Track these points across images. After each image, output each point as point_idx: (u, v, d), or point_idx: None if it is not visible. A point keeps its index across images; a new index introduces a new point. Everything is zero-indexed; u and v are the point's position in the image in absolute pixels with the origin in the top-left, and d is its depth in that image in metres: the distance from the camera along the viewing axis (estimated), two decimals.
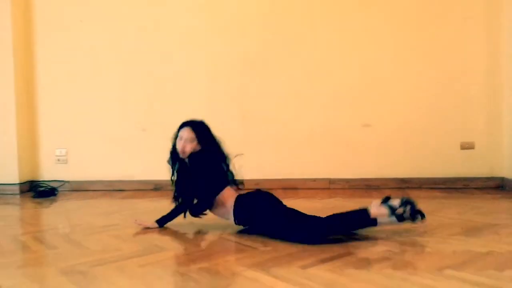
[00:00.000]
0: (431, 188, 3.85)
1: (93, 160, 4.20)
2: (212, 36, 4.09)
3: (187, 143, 2.40)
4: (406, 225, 2.27)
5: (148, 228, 2.48)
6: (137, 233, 2.44)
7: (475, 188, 3.80)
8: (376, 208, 2.16)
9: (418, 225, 2.24)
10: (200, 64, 4.11)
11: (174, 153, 2.47)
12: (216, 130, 4.03)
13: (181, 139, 2.41)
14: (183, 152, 2.40)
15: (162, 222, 2.50)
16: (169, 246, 2.23)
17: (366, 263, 1.87)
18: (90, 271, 1.79)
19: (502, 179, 3.77)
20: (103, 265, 1.87)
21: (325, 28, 4.00)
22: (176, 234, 2.46)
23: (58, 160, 4.22)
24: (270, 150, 4.04)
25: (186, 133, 2.41)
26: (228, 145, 4.03)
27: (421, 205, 2.54)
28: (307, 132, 4.03)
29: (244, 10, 4.07)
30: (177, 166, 2.48)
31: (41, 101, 4.24)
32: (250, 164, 4.01)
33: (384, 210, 2.14)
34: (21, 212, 3.37)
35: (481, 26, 3.85)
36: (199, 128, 2.45)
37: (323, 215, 2.28)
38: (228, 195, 2.38)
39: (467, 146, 3.86)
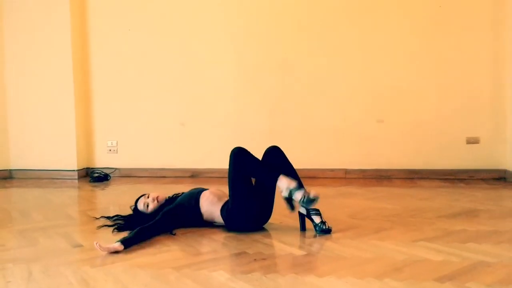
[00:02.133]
0: (438, 179, 4.24)
1: (140, 151, 4.83)
2: (242, 40, 4.59)
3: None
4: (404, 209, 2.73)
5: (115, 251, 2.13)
6: None
7: (479, 179, 4.16)
8: (286, 179, 2.33)
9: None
10: (231, 66, 4.63)
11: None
12: (245, 123, 4.60)
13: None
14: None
15: (127, 243, 2.18)
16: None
17: (360, 235, 2.36)
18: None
19: (505, 171, 4.12)
20: None
21: (345, 32, 4.42)
22: None
23: (110, 150, 4.88)
24: (292, 141, 4.52)
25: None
26: (256, 136, 4.58)
27: (421, 193, 2.97)
28: (326, 127, 4.48)
29: (271, 17, 4.55)
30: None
31: (95, 99, 4.89)
32: None
33: (293, 183, 2.31)
34: (83, 193, 4.02)
35: (487, 29, 4.17)
36: None
37: (336, 200, 2.77)
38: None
39: (472, 141, 4.22)
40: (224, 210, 2.46)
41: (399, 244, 2.17)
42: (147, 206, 2.63)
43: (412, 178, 4.29)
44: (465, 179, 4.20)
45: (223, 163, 4.89)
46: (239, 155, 2.45)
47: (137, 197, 2.75)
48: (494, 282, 1.67)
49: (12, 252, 2.20)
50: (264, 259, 2.00)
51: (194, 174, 4.69)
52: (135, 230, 2.30)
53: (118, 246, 2.13)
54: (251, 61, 4.61)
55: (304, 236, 2.34)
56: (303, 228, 2.44)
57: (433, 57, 4.28)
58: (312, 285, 1.68)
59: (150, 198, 2.65)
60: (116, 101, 4.85)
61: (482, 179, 4.15)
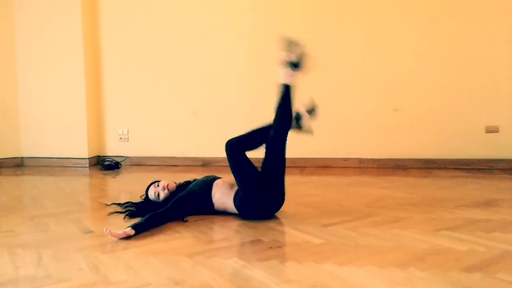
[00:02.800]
0: (456, 169, 4.12)
1: (150, 139, 4.78)
2: (257, 30, 4.49)
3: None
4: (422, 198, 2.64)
5: (127, 236, 2.07)
6: None
7: (498, 169, 4.03)
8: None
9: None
10: (244, 53, 4.54)
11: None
12: (258, 111, 4.51)
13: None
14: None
15: (139, 228, 2.13)
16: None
17: (378, 223, 2.27)
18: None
19: None
20: None
21: (359, 18, 4.30)
22: None
23: (121, 138, 4.83)
24: None
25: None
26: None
27: (438, 183, 2.87)
28: (339, 115, 4.38)
29: (285, 5, 4.44)
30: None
31: (106, 88, 4.85)
32: (287, 143, 4.46)
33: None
34: (94, 181, 3.99)
35: (507, 14, 4.02)
36: None
37: (351, 189, 2.69)
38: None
39: (492, 130, 4.09)
40: (237, 199, 2.38)
41: (420, 233, 2.08)
42: (158, 195, 2.58)
43: (429, 168, 4.18)
44: (483, 169, 4.08)
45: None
46: (232, 147, 2.40)
47: (147, 185, 2.69)
48: None
49: (22, 237, 2.16)
50: (280, 247, 1.93)
51: (205, 163, 4.63)
52: (146, 216, 2.25)
53: (129, 231, 2.08)
54: (263, 48, 4.51)
55: (321, 225, 2.26)
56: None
57: (451, 43, 4.14)
58: (331, 274, 1.61)
59: (160, 186, 2.59)
60: (127, 89, 4.80)
61: (501, 169, 4.03)
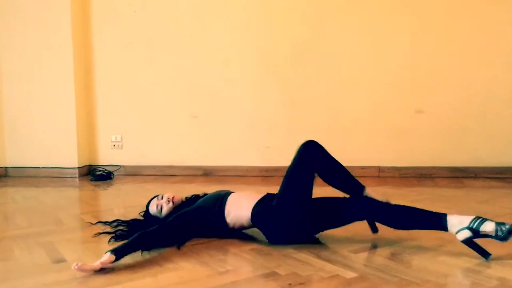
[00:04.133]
0: (488, 178, 3.68)
1: (146, 146, 4.36)
2: (261, 27, 4.10)
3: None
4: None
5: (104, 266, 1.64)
6: None
7: None
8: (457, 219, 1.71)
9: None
10: (249, 54, 4.14)
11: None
12: (264, 117, 4.10)
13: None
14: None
15: (121, 252, 1.70)
16: None
17: (422, 249, 1.83)
18: None
19: None
20: None
21: (375, 15, 3.90)
22: None
23: (114, 145, 4.41)
24: (318, 136, 3.97)
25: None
26: (278, 131, 4.09)
27: (476, 195, 2.42)
28: (355, 119, 3.97)
29: (292, 5, 4.04)
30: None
31: (98, 90, 4.43)
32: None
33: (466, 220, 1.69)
34: (82, 193, 3.56)
35: None
36: None
37: None
38: None
39: None
40: (259, 210, 1.93)
41: (476, 263, 1.63)
42: (161, 208, 2.15)
43: (458, 177, 3.74)
44: None
45: (239, 160, 4.41)
46: (314, 145, 2.04)
47: (147, 200, 2.28)
48: None
49: None
50: (302, 283, 1.49)
51: (206, 173, 4.20)
52: (134, 236, 1.79)
53: (108, 257, 1.63)
54: (270, 49, 4.11)
55: (350, 251, 1.81)
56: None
57: (481, 36, 3.73)
58: None
59: (165, 199, 2.18)
60: (121, 92, 4.39)
61: None
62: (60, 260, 1.79)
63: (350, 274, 1.56)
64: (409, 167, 3.89)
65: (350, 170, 3.97)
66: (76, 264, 1.58)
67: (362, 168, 3.97)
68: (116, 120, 4.42)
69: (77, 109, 4.31)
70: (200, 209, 2.03)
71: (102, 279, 1.56)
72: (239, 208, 1.98)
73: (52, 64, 4.28)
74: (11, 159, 4.45)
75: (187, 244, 1.94)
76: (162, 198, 2.20)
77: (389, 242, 1.91)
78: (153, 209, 2.20)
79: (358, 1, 3.92)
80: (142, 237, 1.78)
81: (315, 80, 4.04)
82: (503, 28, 3.69)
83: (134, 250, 1.74)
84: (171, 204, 2.16)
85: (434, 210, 1.80)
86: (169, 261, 1.74)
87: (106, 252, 1.66)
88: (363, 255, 1.76)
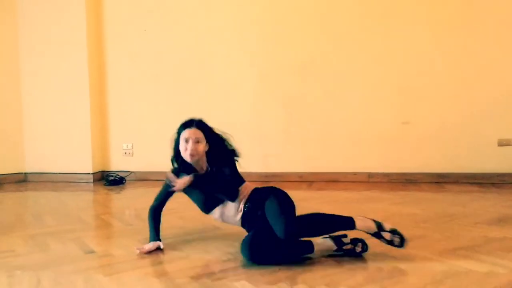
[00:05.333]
0: (468, 183, 4.02)
1: (156, 153, 4.70)
2: (262, 46, 4.47)
3: (198, 145, 2.12)
4: (436, 215, 2.54)
5: (155, 249, 2.11)
6: (196, 215, 2.86)
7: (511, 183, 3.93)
8: (362, 221, 1.97)
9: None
10: (249, 68, 4.50)
11: (179, 158, 2.18)
12: (263, 126, 4.45)
13: (187, 141, 2.11)
14: (195, 154, 2.11)
15: (157, 235, 2.16)
16: (223, 226, 2.62)
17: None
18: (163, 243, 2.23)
19: None
20: (172, 238, 2.31)
21: (367, 31, 4.25)
22: None
23: (125, 153, 4.78)
24: (313, 145, 4.37)
25: (194, 133, 2.13)
26: (274, 140, 4.43)
27: (456, 198, 2.75)
28: (347, 129, 4.31)
29: (290, 18, 4.41)
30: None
31: (111, 103, 4.81)
32: (294, 158, 4.40)
33: (372, 224, 1.96)
34: (97, 197, 3.92)
35: None
36: (204, 126, 2.21)
37: (362, 205, 2.59)
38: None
39: (504, 143, 3.99)
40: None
41: (436, 254, 1.98)
42: (188, 150, 2.09)
43: (440, 182, 4.08)
44: (496, 183, 3.97)
45: (238, 167, 4.79)
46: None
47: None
48: None
49: (22, 259, 2.08)
50: (289, 269, 1.84)
51: None
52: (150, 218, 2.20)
53: (153, 244, 2.10)
54: (269, 64, 4.48)
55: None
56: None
57: (462, 54, 4.08)
58: None
59: (189, 150, 2.08)
60: (131, 103, 4.76)
61: None
62: (90, 251, 2.15)
63: (330, 261, 1.90)
64: (396, 173, 4.23)
65: (342, 176, 4.39)
66: (138, 249, 2.07)
67: (354, 174, 4.32)
68: (127, 130, 4.79)
69: (92, 119, 4.69)
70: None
71: (128, 265, 1.92)
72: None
73: (69, 79, 4.67)
74: (30, 166, 4.82)
75: (195, 237, 2.29)
76: (188, 142, 2.10)
77: (366, 238, 2.25)
78: (181, 148, 2.12)
79: (350, 25, 4.28)
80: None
81: (311, 94, 4.40)
82: (483, 46, 4.03)
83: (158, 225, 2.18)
84: (189, 158, 2.11)
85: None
86: (181, 251, 2.09)
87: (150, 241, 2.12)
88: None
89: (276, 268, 1.83)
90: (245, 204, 2.12)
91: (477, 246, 2.06)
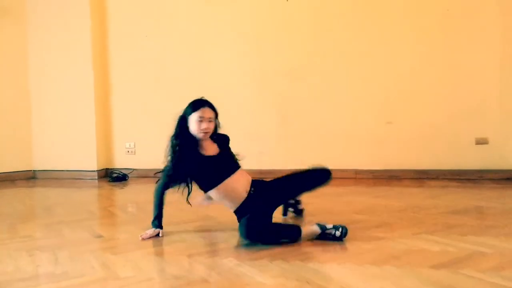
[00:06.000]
0: (448, 179, 4.31)
1: (156, 152, 4.96)
2: (257, 51, 4.75)
3: (211, 123, 2.37)
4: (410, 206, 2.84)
5: (156, 235, 2.38)
6: (194, 207, 3.15)
7: (488, 179, 4.21)
8: (307, 229, 2.25)
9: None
10: (244, 72, 4.79)
11: (181, 135, 2.40)
12: (256, 127, 4.75)
13: (202, 119, 2.34)
14: (209, 132, 2.35)
15: (159, 222, 2.43)
16: (218, 214, 2.92)
17: (364, 228, 2.47)
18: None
19: None
20: (169, 225, 2.61)
21: (353, 36, 4.54)
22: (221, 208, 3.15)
23: (128, 151, 5.08)
24: (303, 143, 4.66)
25: (208, 112, 2.38)
26: (267, 139, 4.72)
27: (432, 192, 3.04)
28: (336, 129, 4.60)
29: (281, 24, 4.70)
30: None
31: (114, 105, 5.11)
32: (287, 155, 4.69)
33: (315, 228, 2.25)
34: (102, 191, 4.22)
35: (495, 32, 4.23)
36: (214, 107, 2.46)
37: (345, 198, 2.90)
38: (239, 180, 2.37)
39: (481, 141, 4.28)
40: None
41: (400, 236, 2.27)
42: (203, 128, 2.31)
43: (422, 178, 4.37)
44: (474, 179, 4.26)
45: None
46: None
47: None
48: (487, 269, 1.77)
49: (39, 242, 2.38)
50: (271, 248, 2.14)
51: None
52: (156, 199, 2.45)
53: (154, 231, 2.37)
54: (263, 68, 4.77)
55: None
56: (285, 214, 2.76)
57: (442, 59, 4.36)
58: (314, 271, 1.81)
59: (203, 126, 2.32)
60: (133, 104, 5.06)
61: (491, 179, 4.20)
62: (99, 236, 2.46)
63: (307, 244, 2.20)
64: (381, 170, 4.52)
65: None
66: (140, 236, 2.32)
67: (342, 170, 4.60)
68: (130, 130, 5.09)
69: (96, 120, 4.98)
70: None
71: (132, 246, 2.22)
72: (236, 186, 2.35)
73: (75, 81, 4.97)
74: (39, 163, 5.12)
75: (191, 225, 2.59)
76: (202, 121, 2.32)
77: (342, 224, 2.55)
78: (193, 119, 2.37)
79: (337, 31, 4.57)
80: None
81: (303, 96, 4.69)
82: (461, 51, 4.33)
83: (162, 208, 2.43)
84: (202, 136, 2.34)
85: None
86: (179, 237, 2.39)
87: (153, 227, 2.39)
88: None
89: (262, 248, 2.13)
90: (251, 187, 2.39)
91: (437, 231, 2.36)
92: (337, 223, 2.30)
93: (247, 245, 2.20)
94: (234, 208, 2.40)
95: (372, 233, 2.37)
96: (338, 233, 2.24)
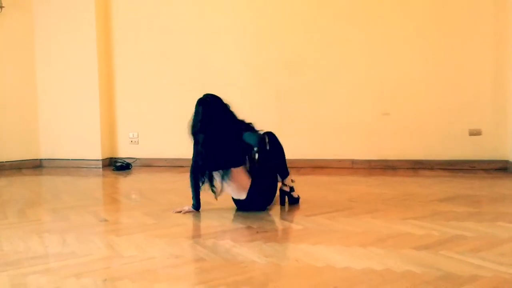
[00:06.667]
0: (441, 169, 4.42)
1: (159, 142, 5.15)
2: (255, 43, 4.85)
3: None
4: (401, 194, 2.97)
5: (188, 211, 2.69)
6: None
7: (481, 170, 4.32)
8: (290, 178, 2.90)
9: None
10: (244, 64, 4.89)
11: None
12: (256, 118, 4.84)
13: None
14: None
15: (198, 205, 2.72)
16: (215, 202, 3.04)
17: (354, 214, 2.60)
18: (161, 215, 2.68)
19: (506, 161, 4.27)
20: (169, 211, 2.75)
21: (351, 29, 4.62)
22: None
23: (131, 141, 5.21)
24: (302, 134, 4.77)
25: None
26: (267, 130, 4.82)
27: (425, 181, 3.20)
28: (334, 120, 4.70)
29: (280, 16, 4.80)
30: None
31: (118, 94, 5.24)
32: (284, 146, 4.79)
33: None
34: (107, 180, 4.36)
35: (489, 23, 4.31)
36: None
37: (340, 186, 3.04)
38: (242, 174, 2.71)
39: (475, 133, 4.38)
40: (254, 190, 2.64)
41: (388, 221, 2.41)
42: None
43: (416, 168, 4.49)
44: (467, 169, 4.37)
45: None
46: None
47: (161, 185, 3.22)
48: (465, 251, 1.90)
49: (47, 225, 2.53)
50: (265, 231, 2.27)
51: None
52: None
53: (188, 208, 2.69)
54: (262, 59, 4.86)
55: (304, 215, 2.59)
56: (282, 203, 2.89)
57: (437, 53, 4.45)
58: (304, 251, 1.94)
59: None
60: (137, 95, 5.18)
61: (484, 170, 4.31)
62: (104, 220, 2.60)
63: (298, 227, 2.34)
64: (377, 160, 4.64)
65: (328, 162, 4.82)
66: (174, 210, 2.66)
67: (339, 160, 4.73)
68: (133, 120, 5.22)
69: (101, 110, 5.11)
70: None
71: (135, 229, 2.36)
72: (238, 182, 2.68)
73: (80, 72, 5.08)
74: (45, 152, 5.27)
75: (190, 214, 2.73)
76: None
77: (333, 210, 2.68)
78: None
79: (334, 24, 4.65)
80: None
81: (301, 87, 4.79)
82: (455, 43, 4.42)
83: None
84: None
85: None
86: (180, 221, 2.54)
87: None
88: (311, 218, 2.53)
89: (255, 231, 2.27)
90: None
91: (424, 217, 2.48)
92: (331, 209, 2.45)
93: (242, 229, 2.34)
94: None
95: (362, 218, 2.50)
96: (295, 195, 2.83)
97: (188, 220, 2.56)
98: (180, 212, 2.67)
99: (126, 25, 5.16)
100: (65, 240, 2.19)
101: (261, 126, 4.85)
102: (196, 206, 2.69)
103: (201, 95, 4.93)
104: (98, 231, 2.36)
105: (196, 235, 2.24)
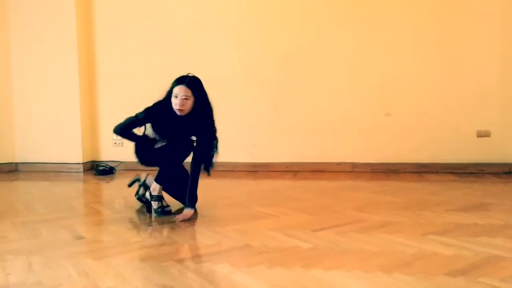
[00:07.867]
0: (448, 173, 4.16)
1: None
2: (249, 39, 4.54)
3: (186, 101, 2.55)
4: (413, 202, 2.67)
5: (189, 218, 2.51)
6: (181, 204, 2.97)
7: (490, 173, 4.07)
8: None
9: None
10: (235, 61, 4.58)
11: (161, 104, 2.64)
12: (250, 118, 4.54)
13: (177, 96, 2.55)
14: (183, 110, 2.53)
15: (192, 202, 2.57)
16: (208, 214, 2.72)
17: (367, 228, 2.30)
18: (147, 229, 2.34)
19: None
20: (159, 223, 2.41)
21: (349, 25, 4.35)
22: (214, 207, 2.96)
23: (115, 143, 4.85)
24: (299, 136, 4.47)
25: (184, 91, 2.55)
26: (261, 132, 4.52)
27: (433, 187, 2.89)
28: (332, 120, 4.42)
29: (274, 11, 4.48)
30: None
31: (100, 94, 4.87)
32: (280, 148, 4.51)
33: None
34: (88, 186, 4.00)
35: (496, 21, 4.07)
36: (195, 85, 2.61)
37: (343, 193, 2.71)
38: None
39: (483, 134, 4.13)
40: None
41: (408, 238, 2.11)
42: (175, 104, 2.56)
43: (421, 172, 4.22)
44: (475, 173, 4.11)
45: (226, 157, 4.88)
46: None
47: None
48: (509, 277, 1.61)
49: (13, 244, 2.17)
50: (268, 252, 1.95)
51: None
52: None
53: (188, 212, 2.50)
54: (255, 56, 4.56)
55: (311, 230, 2.28)
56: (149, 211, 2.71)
57: (442, 50, 4.19)
58: (317, 279, 1.63)
59: (180, 100, 2.53)
60: (121, 95, 4.82)
61: (493, 173, 4.07)
62: (80, 237, 2.25)
63: (306, 246, 2.02)
64: (379, 163, 4.36)
65: (327, 166, 4.56)
66: (177, 218, 2.46)
67: (338, 164, 4.44)
68: (117, 120, 4.81)
69: (82, 110, 4.74)
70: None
71: (116, 250, 2.01)
72: None
73: (59, 70, 4.71)
74: (21, 156, 4.88)
75: (181, 225, 2.40)
76: (177, 98, 2.55)
77: (343, 223, 2.38)
78: (172, 100, 2.60)
79: (332, 20, 4.37)
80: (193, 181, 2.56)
81: (297, 86, 4.49)
82: (462, 40, 4.15)
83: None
84: (178, 112, 2.57)
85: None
86: (167, 238, 2.20)
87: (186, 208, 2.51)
88: (320, 233, 2.22)
89: (256, 252, 1.95)
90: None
91: (447, 231, 2.19)
92: (340, 223, 2.13)
93: (240, 248, 2.01)
94: None
95: (377, 233, 2.19)
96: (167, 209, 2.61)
97: (177, 236, 2.22)
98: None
99: (109, 19, 4.80)
100: (32, 265, 1.84)
101: (256, 127, 4.57)
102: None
103: None
104: (72, 252, 2.01)
105: (187, 257, 1.91)
